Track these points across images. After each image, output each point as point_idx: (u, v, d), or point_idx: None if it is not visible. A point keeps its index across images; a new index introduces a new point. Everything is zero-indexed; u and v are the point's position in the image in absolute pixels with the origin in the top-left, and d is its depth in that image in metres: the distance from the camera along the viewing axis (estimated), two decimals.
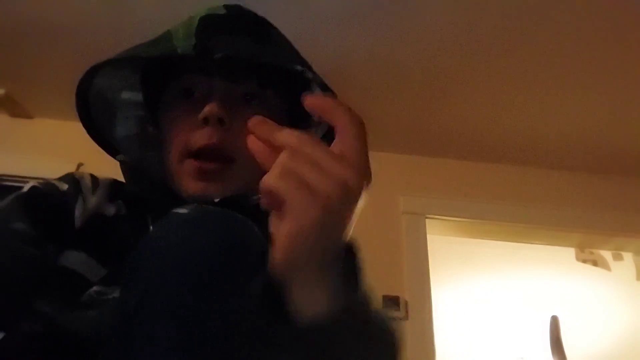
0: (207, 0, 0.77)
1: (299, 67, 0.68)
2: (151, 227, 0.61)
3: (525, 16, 1.71)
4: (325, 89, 0.69)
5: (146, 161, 0.74)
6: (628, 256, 2.91)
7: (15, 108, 2.23)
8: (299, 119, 0.75)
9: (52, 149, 2.17)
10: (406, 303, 2.08)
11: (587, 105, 2.09)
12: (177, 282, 0.43)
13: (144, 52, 0.69)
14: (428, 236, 2.27)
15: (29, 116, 2.27)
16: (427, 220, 2.30)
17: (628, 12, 1.66)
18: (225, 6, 0.72)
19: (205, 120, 0.65)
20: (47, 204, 0.62)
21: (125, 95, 0.75)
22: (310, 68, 0.70)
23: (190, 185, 0.66)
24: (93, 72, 0.69)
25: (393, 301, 2.06)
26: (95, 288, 0.55)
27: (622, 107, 2.08)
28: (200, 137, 0.65)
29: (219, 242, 0.45)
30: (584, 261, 3.07)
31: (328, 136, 0.70)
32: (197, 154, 0.66)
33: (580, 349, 3.21)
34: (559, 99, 2.07)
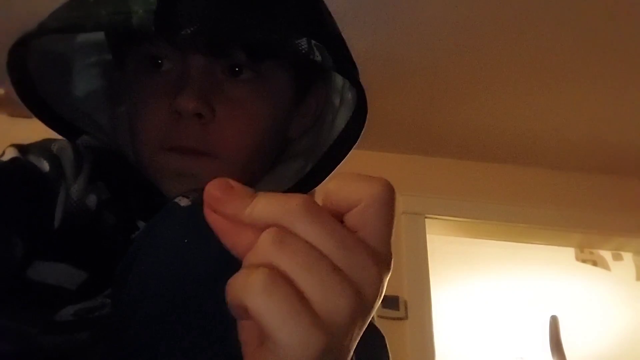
0: None
1: (303, 44, 0.47)
2: (139, 223, 0.53)
3: (525, 16, 1.71)
4: (343, 71, 0.51)
5: (115, 134, 0.59)
6: (628, 256, 2.91)
7: (14, 108, 2.23)
8: (306, 91, 0.59)
9: None
10: (405, 303, 2.08)
11: (586, 105, 2.09)
12: (181, 282, 0.38)
13: (89, 18, 0.48)
14: (428, 236, 2.27)
15: (28, 116, 2.26)
16: (426, 220, 2.30)
17: (628, 12, 1.66)
18: None
19: (179, 114, 0.51)
20: (26, 189, 0.47)
21: (82, 36, 0.57)
22: (323, 37, 0.50)
23: (166, 182, 0.54)
24: (25, 42, 0.51)
25: (392, 301, 2.06)
26: (79, 306, 0.46)
27: (622, 107, 2.08)
28: (175, 134, 0.51)
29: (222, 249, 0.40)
30: (584, 261, 3.07)
31: (355, 121, 0.54)
32: (171, 152, 0.52)
33: (580, 348, 3.21)
34: (559, 99, 2.07)
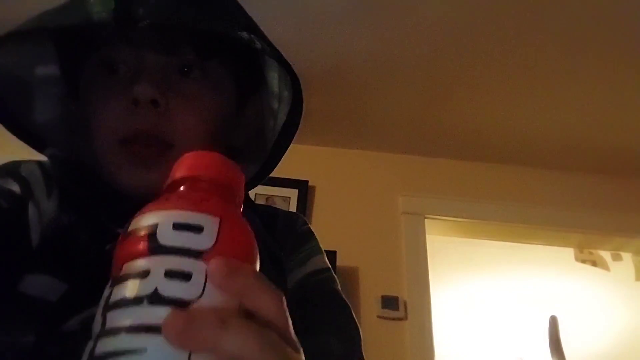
0: None
1: (245, 35, 0.54)
2: (115, 231, 0.51)
3: (525, 16, 1.71)
4: (279, 57, 0.56)
5: (78, 151, 0.61)
6: (627, 256, 2.91)
7: None
8: (249, 86, 0.64)
9: None
10: (405, 303, 2.08)
11: (586, 105, 2.09)
12: None
13: (51, 21, 0.54)
14: (427, 236, 2.27)
15: None
16: (426, 220, 2.30)
17: (627, 12, 1.67)
18: None
19: (136, 102, 0.53)
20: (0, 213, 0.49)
21: (40, 70, 0.61)
22: (259, 33, 0.57)
23: (126, 174, 0.55)
24: None
25: (392, 301, 2.06)
26: (85, 314, 0.46)
27: (622, 107, 2.08)
28: (132, 121, 0.54)
29: None
30: (583, 261, 3.07)
31: (294, 111, 0.60)
32: (130, 140, 0.55)
33: (579, 349, 3.21)
34: (559, 99, 2.07)
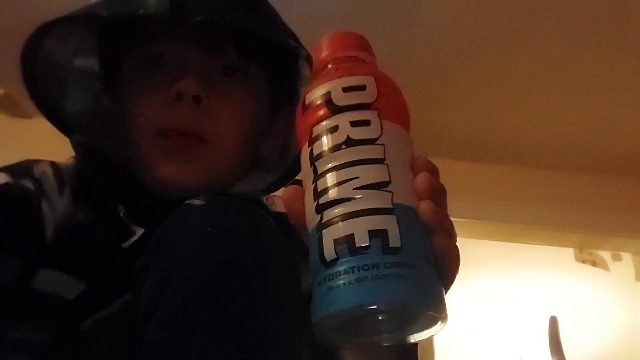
0: None
1: (292, 42, 0.57)
2: (133, 227, 0.55)
3: (525, 16, 1.71)
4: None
5: (104, 142, 0.62)
6: (627, 257, 2.91)
7: (14, 108, 2.22)
8: (283, 97, 0.66)
9: (51, 149, 2.17)
10: None
11: (586, 105, 2.09)
12: (202, 275, 0.39)
13: (105, 9, 0.55)
14: None
15: (28, 116, 2.26)
16: None
17: (627, 12, 1.67)
18: None
19: (179, 96, 0.55)
20: (13, 210, 0.51)
21: (79, 62, 0.63)
22: (301, 44, 0.59)
23: (161, 167, 0.56)
24: (42, 32, 0.58)
25: None
26: (100, 314, 0.48)
27: (622, 107, 2.08)
28: (174, 116, 0.56)
29: (244, 233, 0.41)
30: (583, 261, 3.07)
31: None
32: (168, 133, 0.56)
33: (579, 349, 3.21)
34: (559, 99, 2.07)
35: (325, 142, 0.32)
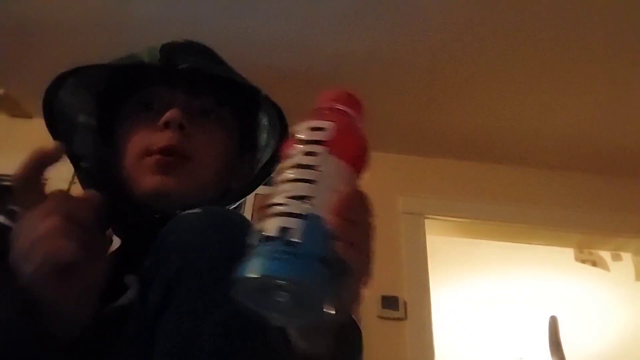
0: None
1: (253, 85, 0.73)
2: (115, 239, 0.66)
3: (525, 16, 1.71)
4: (278, 112, 0.74)
5: (102, 170, 0.76)
6: (627, 257, 2.91)
7: (14, 108, 2.23)
8: (247, 139, 0.80)
9: None
10: (405, 303, 2.08)
11: (586, 105, 2.09)
12: (207, 270, 0.47)
13: (111, 62, 0.70)
14: (427, 236, 2.27)
15: (28, 116, 2.27)
16: (426, 220, 2.30)
17: (627, 12, 1.67)
18: (186, 39, 0.78)
19: (166, 125, 0.67)
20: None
21: (82, 118, 0.77)
22: (267, 95, 0.74)
23: (148, 179, 0.67)
24: (60, 82, 0.71)
25: (392, 301, 2.06)
26: (114, 304, 0.56)
27: (622, 107, 2.09)
28: (161, 139, 0.67)
29: (240, 233, 0.47)
30: (583, 261, 3.07)
31: (272, 160, 0.78)
32: (154, 152, 0.67)
33: (579, 349, 3.21)
34: (559, 99, 2.07)
35: (285, 162, 0.44)
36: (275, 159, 0.76)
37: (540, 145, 2.35)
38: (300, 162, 0.43)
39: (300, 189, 0.41)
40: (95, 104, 0.78)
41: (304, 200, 0.41)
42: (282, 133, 0.75)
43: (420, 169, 2.42)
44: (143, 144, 0.69)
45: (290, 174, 0.42)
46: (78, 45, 1.87)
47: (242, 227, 0.50)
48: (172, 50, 0.71)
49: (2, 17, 1.83)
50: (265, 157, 0.80)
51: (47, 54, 1.94)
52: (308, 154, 0.43)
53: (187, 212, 0.53)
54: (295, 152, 0.43)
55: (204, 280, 0.47)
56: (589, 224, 2.38)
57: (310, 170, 0.42)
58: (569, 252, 2.95)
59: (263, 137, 0.80)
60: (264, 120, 0.79)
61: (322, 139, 0.44)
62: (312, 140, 0.44)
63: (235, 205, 0.80)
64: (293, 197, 0.41)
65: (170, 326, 0.46)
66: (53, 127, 0.73)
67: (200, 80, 0.72)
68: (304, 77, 1.99)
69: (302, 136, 0.45)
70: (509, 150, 2.39)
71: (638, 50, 1.81)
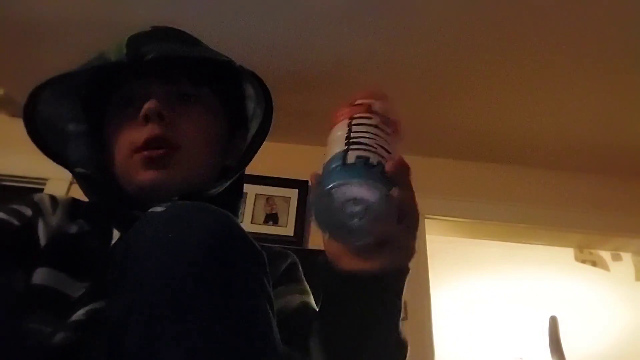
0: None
1: (225, 58, 0.72)
2: (116, 236, 0.65)
3: (525, 16, 1.71)
4: (258, 81, 0.73)
5: (99, 170, 0.76)
6: (627, 256, 2.91)
7: (14, 108, 2.23)
8: (235, 117, 0.80)
9: None
10: (405, 303, 2.07)
11: (586, 105, 2.09)
12: (168, 280, 0.44)
13: (80, 68, 0.71)
14: (427, 236, 2.27)
15: None
16: (426, 220, 2.30)
17: (629, 13, 1.67)
18: (152, 26, 0.77)
19: (146, 118, 0.68)
20: (12, 231, 0.63)
21: (72, 127, 0.78)
22: (243, 66, 0.73)
23: (139, 175, 0.68)
24: (34, 97, 0.71)
25: None
26: (89, 307, 0.55)
27: (622, 107, 2.08)
28: (143, 133, 0.68)
29: (208, 235, 0.46)
30: (583, 261, 3.07)
31: (260, 131, 0.78)
32: (143, 147, 0.68)
33: (579, 349, 3.22)
34: (559, 99, 2.07)
35: (363, 122, 0.57)
36: (266, 128, 0.77)
37: (540, 145, 2.35)
38: (377, 124, 0.58)
39: (374, 141, 0.56)
40: (81, 109, 0.78)
41: (376, 149, 0.55)
42: (267, 100, 0.75)
43: (420, 168, 2.39)
44: (129, 141, 0.69)
45: (371, 130, 0.57)
46: (78, 45, 1.86)
47: (216, 226, 0.48)
48: (138, 42, 0.71)
49: (2, 17, 1.83)
50: (254, 127, 0.79)
51: (47, 54, 1.94)
52: (384, 122, 0.59)
53: (152, 210, 0.50)
54: (371, 116, 0.58)
55: (160, 305, 0.43)
56: (589, 224, 2.38)
57: (383, 134, 0.58)
58: (569, 252, 2.95)
59: (251, 106, 0.80)
60: (250, 90, 0.79)
61: (395, 119, 0.61)
62: (388, 117, 0.60)
63: (237, 199, 0.79)
64: (367, 145, 0.55)
65: (130, 347, 0.43)
66: (42, 140, 0.73)
67: (172, 66, 0.72)
68: (304, 77, 1.99)
69: (377, 109, 0.60)
70: (509, 150, 2.39)
71: (638, 50, 1.81)
